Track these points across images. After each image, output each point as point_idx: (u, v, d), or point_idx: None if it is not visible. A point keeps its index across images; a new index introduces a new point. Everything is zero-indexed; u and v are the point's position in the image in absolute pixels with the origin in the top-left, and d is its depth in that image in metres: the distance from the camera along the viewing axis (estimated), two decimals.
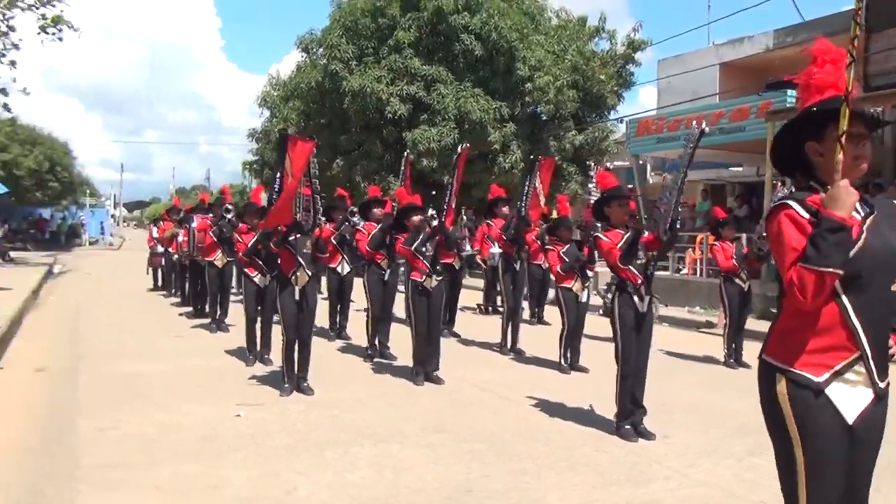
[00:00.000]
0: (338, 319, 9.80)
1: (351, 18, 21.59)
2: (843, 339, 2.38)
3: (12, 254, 25.13)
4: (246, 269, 7.90)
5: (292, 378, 6.58)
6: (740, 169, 19.75)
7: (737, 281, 8.55)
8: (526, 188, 9.12)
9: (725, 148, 16.04)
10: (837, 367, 2.39)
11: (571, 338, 7.88)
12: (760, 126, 13.99)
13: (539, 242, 10.65)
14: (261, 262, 7.75)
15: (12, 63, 21.07)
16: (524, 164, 21.20)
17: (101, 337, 9.76)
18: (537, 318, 11.96)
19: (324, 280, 10.07)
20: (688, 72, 20.21)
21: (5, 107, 20.03)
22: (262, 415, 5.84)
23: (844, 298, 2.37)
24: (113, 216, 51.07)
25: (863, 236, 2.38)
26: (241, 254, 7.83)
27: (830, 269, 2.26)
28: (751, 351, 8.58)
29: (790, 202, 2.46)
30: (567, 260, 7.86)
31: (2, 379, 7.31)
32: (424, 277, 7.10)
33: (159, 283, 16.07)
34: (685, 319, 12.76)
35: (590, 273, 8.46)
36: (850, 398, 2.40)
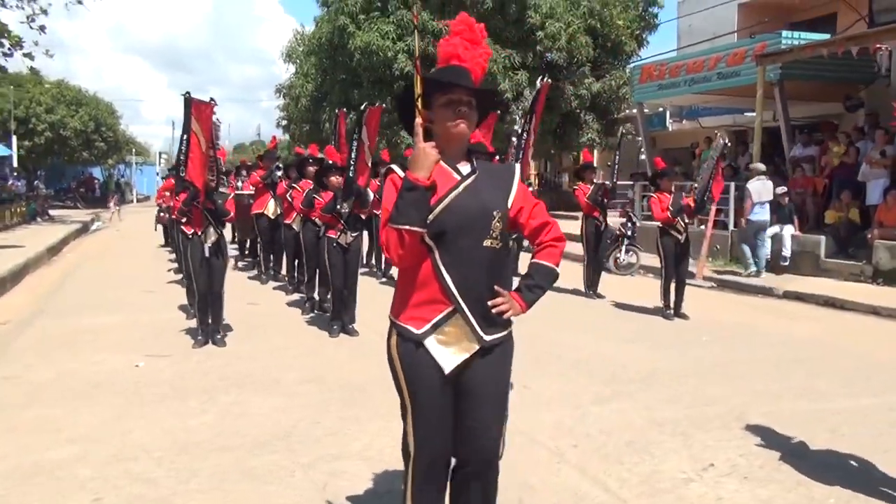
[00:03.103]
0: (295, 274, 10.14)
1: None
2: (438, 292, 2.51)
3: (52, 212, 26.32)
4: (182, 227, 8.23)
5: (206, 330, 6.94)
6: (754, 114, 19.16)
7: (673, 233, 8.50)
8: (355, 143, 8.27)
9: (724, 93, 15.60)
10: (435, 320, 2.53)
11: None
12: (755, 70, 13.54)
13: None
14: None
15: (41, 28, 21.81)
16: None
17: (77, 291, 10.37)
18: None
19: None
20: (704, 10, 19.64)
21: (32, 70, 20.74)
22: (161, 365, 6.22)
23: (436, 254, 2.49)
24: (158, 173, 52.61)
25: (451, 195, 2.49)
26: (175, 212, 8.17)
27: (407, 227, 2.39)
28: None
29: (394, 167, 2.59)
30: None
31: None
32: (339, 234, 7.33)
33: (170, 239, 16.69)
34: None
35: None
36: (447, 350, 2.54)
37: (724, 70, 14.69)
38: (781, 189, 12.27)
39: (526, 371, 5.83)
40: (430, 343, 2.54)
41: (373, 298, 7.92)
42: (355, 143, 7.09)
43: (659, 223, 8.62)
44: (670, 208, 8.39)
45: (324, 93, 24.01)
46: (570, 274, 11.03)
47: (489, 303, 2.54)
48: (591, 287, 10.09)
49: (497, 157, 6.75)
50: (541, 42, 20.65)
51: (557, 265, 2.72)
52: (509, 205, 2.59)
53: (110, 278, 11.71)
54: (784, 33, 13.50)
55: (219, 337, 6.96)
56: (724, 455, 4.20)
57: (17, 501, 3.59)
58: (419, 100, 2.46)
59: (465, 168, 2.58)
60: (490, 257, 2.53)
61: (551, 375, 5.87)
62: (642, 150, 15.22)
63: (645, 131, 18.20)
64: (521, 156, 5.67)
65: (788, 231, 12.00)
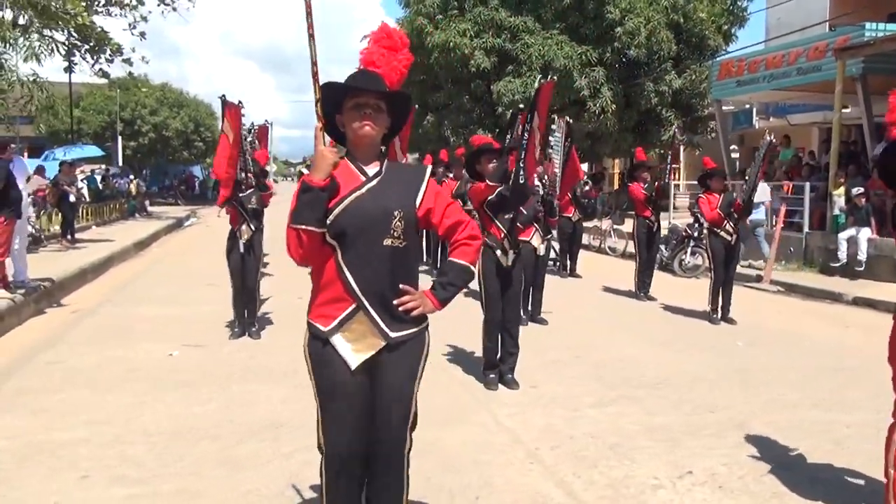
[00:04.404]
0: None
1: None
2: (341, 291, 2.60)
3: (152, 209, 27.80)
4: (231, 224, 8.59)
5: (241, 323, 7.24)
6: (848, 110, 18.12)
7: (721, 234, 8.22)
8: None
9: (804, 89, 14.88)
10: (340, 317, 2.62)
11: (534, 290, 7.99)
12: (836, 64, 12.85)
13: (570, 195, 10.95)
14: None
15: (142, 34, 23.14)
16: (616, 107, 20.67)
17: (147, 283, 10.97)
18: (568, 270, 12.02)
19: None
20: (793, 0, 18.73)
21: (130, 75, 22.06)
22: (193, 354, 6.54)
23: (339, 254, 2.58)
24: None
25: (351, 196, 2.56)
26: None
27: (303, 227, 2.49)
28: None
29: (303, 169, 2.69)
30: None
31: (42, 319, 8.51)
32: None
33: None
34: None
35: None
36: (353, 346, 2.62)
37: (805, 65, 14.04)
38: (858, 190, 11.63)
39: (539, 371, 5.87)
40: (337, 340, 2.63)
41: None
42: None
43: (707, 224, 8.37)
44: (720, 209, 8.13)
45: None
46: (627, 275, 10.84)
47: (395, 301, 2.61)
48: (641, 289, 9.88)
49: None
50: (619, 38, 20.24)
51: (473, 263, 2.78)
52: (417, 204, 2.64)
53: (182, 271, 12.33)
54: (868, 25, 12.75)
55: (254, 329, 7.25)
56: (706, 463, 4.08)
57: (14, 476, 3.89)
58: (318, 104, 2.54)
59: (372, 169, 2.65)
60: (391, 256, 2.59)
61: (563, 377, 5.82)
62: (733, 148, 14.80)
63: (724, 129, 17.58)
64: (523, 156, 5.56)
65: (865, 234, 11.36)
